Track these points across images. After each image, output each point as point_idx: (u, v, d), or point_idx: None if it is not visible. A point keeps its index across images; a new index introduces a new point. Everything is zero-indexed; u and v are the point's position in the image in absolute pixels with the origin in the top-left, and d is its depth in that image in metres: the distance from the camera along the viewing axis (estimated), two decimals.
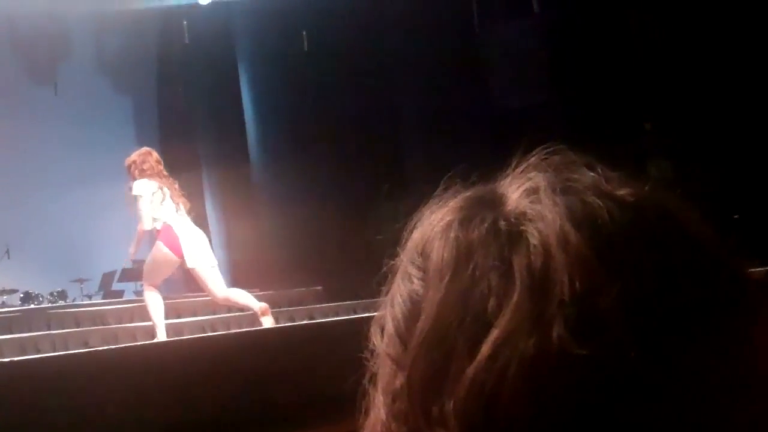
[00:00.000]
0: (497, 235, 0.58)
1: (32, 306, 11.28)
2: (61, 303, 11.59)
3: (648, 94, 10.78)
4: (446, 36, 11.43)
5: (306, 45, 12.79)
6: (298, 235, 12.23)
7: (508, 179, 0.64)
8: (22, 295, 11.73)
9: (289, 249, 12.23)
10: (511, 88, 10.76)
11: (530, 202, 0.59)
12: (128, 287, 12.81)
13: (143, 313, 9.73)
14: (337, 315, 9.53)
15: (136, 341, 8.17)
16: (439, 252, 0.59)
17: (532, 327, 0.54)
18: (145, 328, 8.62)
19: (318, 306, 9.99)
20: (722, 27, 9.66)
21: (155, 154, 7.79)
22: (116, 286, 12.72)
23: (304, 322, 8.83)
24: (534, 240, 0.57)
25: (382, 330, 0.63)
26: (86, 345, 8.03)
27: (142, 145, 14.33)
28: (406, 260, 0.63)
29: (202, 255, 7.46)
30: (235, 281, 12.77)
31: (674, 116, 10.56)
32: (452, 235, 0.60)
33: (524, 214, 0.58)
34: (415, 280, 0.61)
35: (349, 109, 12.37)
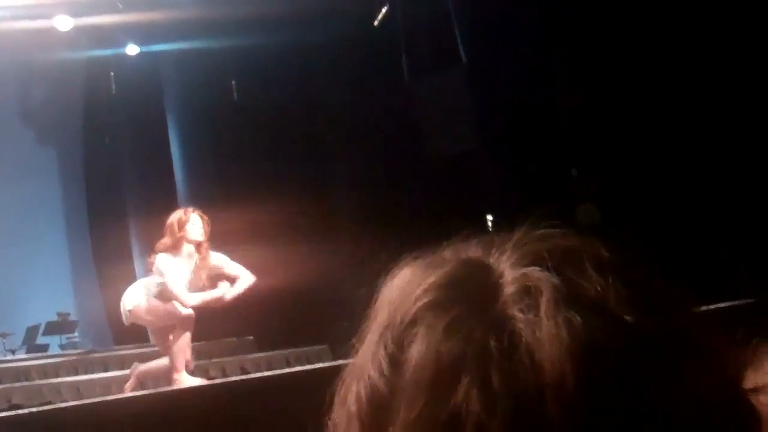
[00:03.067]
0: (485, 358, 0.52)
1: None
2: None
3: (575, 140, 10.99)
4: (376, 86, 11.53)
5: (235, 95, 12.78)
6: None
7: (503, 255, 0.57)
8: None
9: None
10: (441, 136, 10.88)
11: (526, 313, 0.53)
12: (53, 341, 12.47)
13: (68, 368, 9.49)
14: (270, 365, 9.40)
15: (61, 397, 7.94)
16: (418, 360, 0.54)
17: None
18: (70, 383, 8.39)
19: (250, 356, 9.84)
20: (646, 71, 9.93)
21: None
22: (41, 339, 12.37)
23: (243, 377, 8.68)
24: (526, 376, 0.51)
25: (343, 404, 0.58)
26: (9, 402, 7.77)
27: (67, 198, 14.12)
28: (377, 336, 0.58)
29: None
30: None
31: (601, 162, 10.78)
32: (434, 343, 0.53)
33: (519, 334, 0.52)
34: (387, 374, 0.55)
35: (279, 159, 12.34)
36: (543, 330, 0.52)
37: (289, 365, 9.37)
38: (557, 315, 0.52)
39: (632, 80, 10.08)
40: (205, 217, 6.96)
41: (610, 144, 10.53)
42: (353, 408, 0.57)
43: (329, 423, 0.60)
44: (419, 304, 0.56)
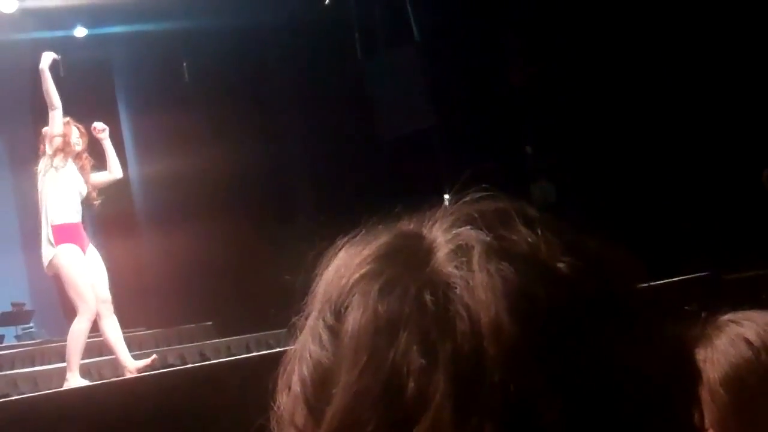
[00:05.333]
0: (422, 312, 0.52)
1: None
2: None
3: (528, 117, 11.03)
4: (330, 65, 11.47)
5: (186, 76, 12.62)
6: (184, 268, 11.99)
7: (435, 223, 0.58)
8: None
9: (176, 284, 11.98)
10: (395, 115, 10.86)
11: (460, 269, 0.53)
12: (8, 332, 12.31)
13: (24, 359, 9.37)
14: (229, 350, 9.36)
15: (17, 389, 7.84)
16: (355, 324, 0.54)
17: (457, 430, 0.49)
18: (26, 374, 8.29)
19: (209, 342, 9.79)
20: (599, 46, 9.98)
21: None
22: None
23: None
24: (463, 324, 0.51)
25: (289, 389, 0.58)
26: None
27: (16, 181, 13.83)
28: (316, 313, 0.57)
29: None
30: (118, 319, 12.44)
31: (555, 139, 10.84)
32: (371, 304, 0.53)
33: (453, 286, 0.52)
34: (327, 345, 0.55)
35: (231, 139, 12.24)
36: (476, 280, 0.52)
37: (248, 350, 9.33)
38: (489, 266, 0.53)
39: (585, 55, 10.13)
40: (82, 128, 6.84)
41: (564, 120, 10.59)
42: (298, 389, 0.57)
43: (275, 410, 0.59)
44: (355, 276, 0.56)
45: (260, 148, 12.38)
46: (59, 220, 6.50)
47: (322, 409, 0.54)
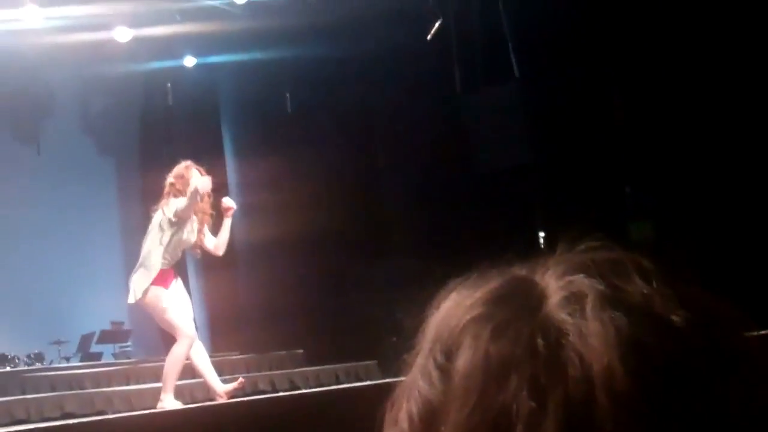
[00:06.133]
0: (533, 356, 0.53)
1: (8, 369, 11.11)
2: (38, 366, 11.42)
3: (628, 156, 10.86)
4: (429, 98, 11.53)
5: (289, 106, 12.86)
6: (279, 297, 12.15)
7: (548, 270, 0.58)
8: None
9: (270, 311, 12.15)
10: (492, 150, 10.83)
11: (573, 316, 0.54)
12: (107, 349, 12.67)
13: (120, 377, 9.63)
14: (318, 379, 9.43)
15: (113, 406, 8.05)
16: (466, 364, 0.55)
17: None
18: (121, 393, 8.50)
19: (299, 370, 9.87)
20: (701, 88, 9.78)
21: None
22: (95, 348, 12.57)
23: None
24: (574, 371, 0.52)
25: (395, 424, 0.59)
26: (62, 410, 7.91)
27: (123, 205, 14.15)
28: (426, 352, 0.59)
29: None
30: (213, 343, 12.68)
31: (654, 179, 10.63)
32: (482, 346, 0.55)
33: (565, 332, 0.53)
34: (437, 384, 0.56)
35: (331, 171, 12.40)
36: (589, 328, 0.53)
37: (338, 380, 9.39)
38: (602, 315, 0.53)
39: (687, 97, 9.94)
40: (203, 171, 6.88)
41: (665, 161, 10.38)
42: (405, 425, 0.58)
43: None
44: (466, 317, 0.57)
45: (359, 179, 12.49)
46: (160, 266, 6.63)
47: None
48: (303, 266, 11.95)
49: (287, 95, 12.83)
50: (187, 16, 12.81)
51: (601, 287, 0.55)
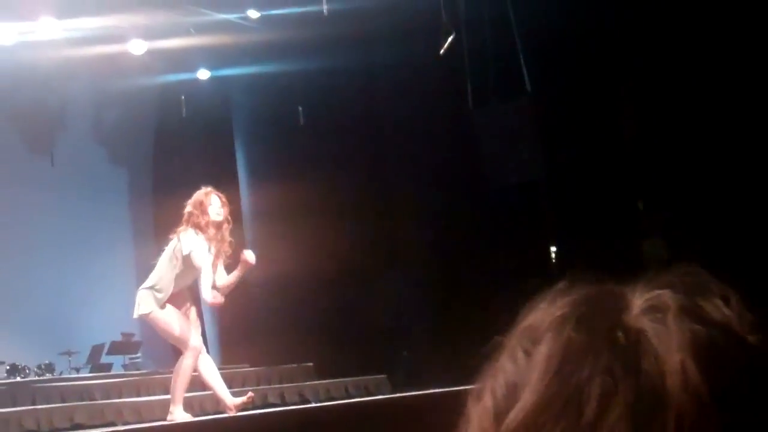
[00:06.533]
0: (612, 346, 0.58)
1: (18, 379, 11.13)
2: (48, 376, 11.45)
3: (640, 172, 10.83)
4: (441, 113, 11.54)
5: (302, 119, 12.90)
6: (290, 310, 12.15)
7: (637, 286, 0.63)
8: (8, 368, 11.58)
9: (280, 324, 12.15)
10: (503, 165, 10.82)
11: (654, 321, 0.58)
12: (117, 360, 12.69)
13: (130, 388, 9.64)
14: (328, 392, 9.41)
15: (123, 418, 8.06)
16: (550, 344, 0.60)
17: None
18: (132, 404, 8.51)
19: (309, 383, 9.86)
20: (715, 102, 9.75)
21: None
22: (105, 359, 12.59)
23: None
24: (649, 365, 0.56)
25: (478, 399, 0.64)
26: (71, 421, 7.92)
27: (136, 217, 14.10)
28: (515, 341, 0.64)
29: None
30: (224, 355, 12.68)
31: (668, 194, 10.60)
32: (566, 331, 0.60)
33: (645, 332, 0.58)
34: (521, 364, 0.62)
35: (342, 184, 12.41)
36: (668, 332, 0.57)
37: (347, 394, 9.37)
38: (682, 324, 0.58)
39: (700, 111, 9.91)
40: (223, 198, 6.79)
41: (678, 176, 10.35)
42: (488, 400, 0.63)
43: (462, 419, 0.66)
44: (555, 314, 0.62)
45: (369, 192, 12.50)
46: (170, 291, 6.59)
47: (505, 414, 0.61)
48: (313, 280, 11.95)
49: (300, 108, 12.87)
50: (201, 29, 12.88)
51: (684, 302, 0.60)
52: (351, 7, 11.00)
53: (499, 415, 0.61)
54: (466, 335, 10.52)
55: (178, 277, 6.60)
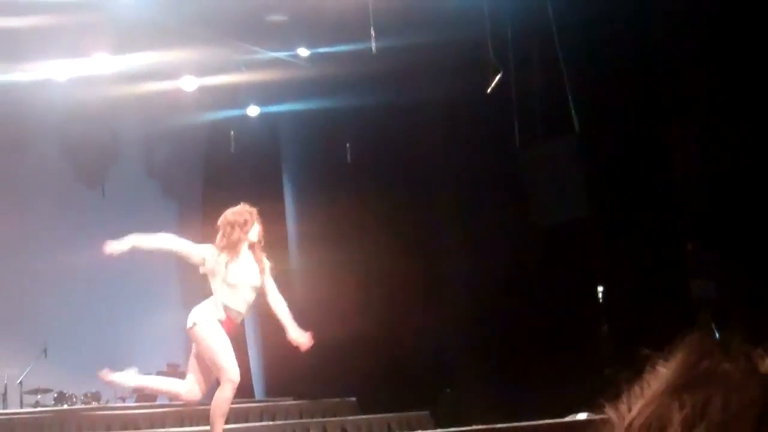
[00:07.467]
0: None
1: (65, 407, 11.26)
2: (94, 404, 11.55)
3: (690, 212, 10.72)
4: (488, 151, 11.55)
5: (349, 156, 12.99)
6: (334, 344, 12.15)
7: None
8: (55, 396, 11.71)
9: (324, 358, 12.14)
10: (550, 204, 10.78)
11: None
12: None
13: (175, 418, 9.69)
14: (370, 427, 9.38)
15: None
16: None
17: None
18: None
19: (351, 418, 9.84)
20: (764, 141, 9.65)
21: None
22: None
23: None
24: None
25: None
26: None
27: None
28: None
29: None
30: (268, 388, 12.70)
31: (717, 235, 10.46)
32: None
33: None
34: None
35: (389, 221, 12.45)
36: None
37: (390, 429, 9.33)
38: None
39: (752, 150, 9.81)
40: (258, 217, 6.86)
41: (728, 217, 10.23)
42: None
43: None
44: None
45: (417, 229, 12.51)
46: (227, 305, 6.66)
47: None
48: (358, 314, 11.97)
49: (347, 145, 12.97)
50: (252, 66, 13.08)
51: None
52: (399, 45, 11.11)
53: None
54: (510, 374, 10.45)
55: (235, 295, 6.67)
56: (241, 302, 6.71)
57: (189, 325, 6.69)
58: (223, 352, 6.58)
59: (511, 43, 10.72)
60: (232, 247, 6.64)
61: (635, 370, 0.81)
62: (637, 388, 0.79)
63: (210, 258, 6.66)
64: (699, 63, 9.80)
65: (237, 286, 6.63)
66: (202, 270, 6.71)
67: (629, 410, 0.77)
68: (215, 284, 6.66)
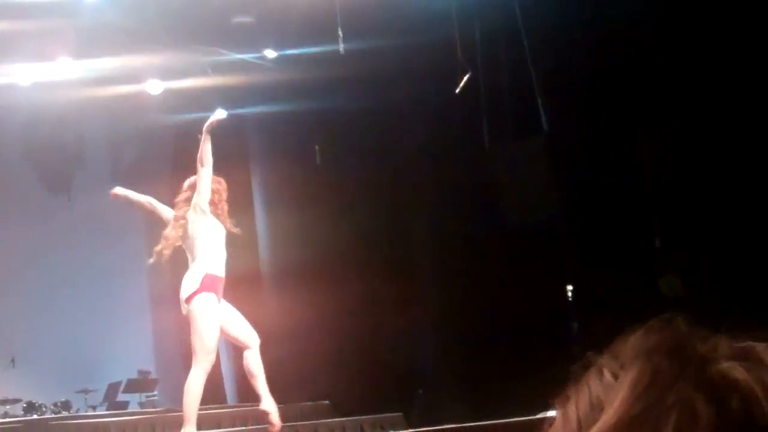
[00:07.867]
0: (699, 380, 0.62)
1: (35, 416, 11.13)
2: (64, 414, 11.43)
3: (657, 211, 10.82)
4: (457, 151, 11.58)
5: (318, 158, 12.96)
6: (307, 347, 12.12)
7: (723, 337, 0.68)
8: (24, 405, 11.57)
9: (297, 361, 12.11)
10: (520, 204, 10.83)
11: (744, 367, 0.63)
12: (133, 398, 12.66)
13: (146, 426, 9.61)
14: (344, 430, 9.36)
15: None
16: (638, 369, 0.65)
17: None
18: None
19: (324, 421, 9.81)
20: (731, 140, 9.75)
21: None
22: (121, 397, 12.57)
23: None
24: (736, 404, 0.61)
25: (563, 411, 0.69)
26: None
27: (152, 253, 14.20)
28: (604, 363, 0.69)
29: None
30: (240, 393, 12.63)
31: (685, 233, 10.57)
32: (656, 359, 0.65)
33: (735, 378, 0.62)
34: (607, 383, 0.67)
35: (359, 223, 12.44)
36: (760, 380, 0.62)
37: (362, 431, 9.32)
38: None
39: (718, 150, 9.92)
40: (222, 180, 7.28)
41: (695, 214, 10.33)
42: (572, 411, 0.68)
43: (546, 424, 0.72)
44: (646, 345, 0.67)
45: (385, 232, 12.51)
46: (212, 271, 6.73)
47: (587, 428, 0.66)
48: (330, 319, 11.94)
49: (316, 147, 12.93)
50: (218, 69, 13.00)
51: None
52: (367, 47, 11.11)
53: (580, 429, 0.66)
54: (481, 374, 10.48)
55: (216, 256, 6.92)
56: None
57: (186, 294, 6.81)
58: (210, 331, 6.69)
59: (479, 44, 10.75)
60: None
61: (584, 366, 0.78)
62: (581, 389, 0.71)
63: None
64: (666, 63, 9.90)
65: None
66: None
67: (576, 410, 0.70)
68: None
